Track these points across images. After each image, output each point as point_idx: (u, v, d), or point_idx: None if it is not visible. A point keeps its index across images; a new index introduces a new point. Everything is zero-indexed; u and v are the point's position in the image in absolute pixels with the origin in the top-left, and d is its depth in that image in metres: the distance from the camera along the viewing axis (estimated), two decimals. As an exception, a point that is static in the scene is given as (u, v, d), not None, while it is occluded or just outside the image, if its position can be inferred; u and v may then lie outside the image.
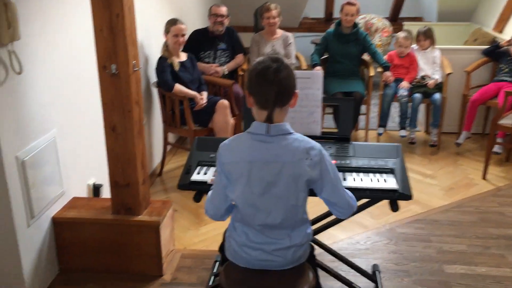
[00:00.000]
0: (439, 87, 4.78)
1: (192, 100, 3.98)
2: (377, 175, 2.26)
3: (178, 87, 3.94)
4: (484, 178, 4.22)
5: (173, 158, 4.68)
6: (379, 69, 4.93)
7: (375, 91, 5.32)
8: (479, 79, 4.99)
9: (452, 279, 2.70)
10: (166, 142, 4.28)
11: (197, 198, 2.28)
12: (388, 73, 4.83)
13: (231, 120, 4.07)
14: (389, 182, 2.18)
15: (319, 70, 4.88)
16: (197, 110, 4.00)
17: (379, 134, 4.94)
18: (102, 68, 2.47)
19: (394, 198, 2.15)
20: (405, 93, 4.73)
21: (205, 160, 2.38)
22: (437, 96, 4.71)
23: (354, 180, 2.21)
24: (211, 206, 1.96)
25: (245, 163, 1.78)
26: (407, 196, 2.13)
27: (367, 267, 2.77)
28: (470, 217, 3.40)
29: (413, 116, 4.81)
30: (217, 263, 2.81)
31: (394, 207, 2.16)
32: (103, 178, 3.19)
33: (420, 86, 4.79)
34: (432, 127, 4.84)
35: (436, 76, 4.78)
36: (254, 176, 1.78)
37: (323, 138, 2.50)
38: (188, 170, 2.31)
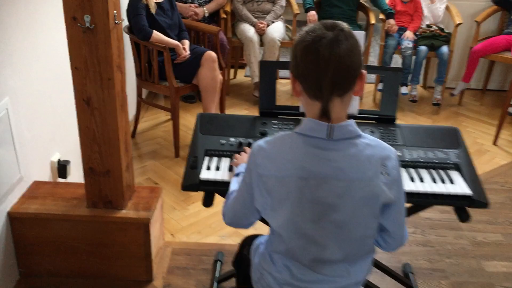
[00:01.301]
0: (447, 39, 4.28)
1: (172, 50, 3.32)
2: (440, 172, 1.77)
3: (157, 35, 3.26)
4: (495, 143, 3.85)
5: (145, 116, 4.05)
6: (381, 16, 4.35)
7: (375, 41, 4.76)
8: (485, 31, 4.51)
9: (496, 280, 2.32)
10: (140, 100, 3.63)
11: (208, 202, 1.74)
12: (391, 21, 4.28)
13: (220, 76, 3.45)
14: (458, 185, 1.70)
15: (313, 15, 4.28)
16: (178, 63, 3.35)
17: (380, 90, 4.44)
18: (71, 20, 1.80)
19: (466, 205, 1.68)
20: (410, 44, 4.21)
21: (214, 148, 1.82)
22: (444, 49, 4.21)
23: (413, 181, 1.71)
24: (231, 215, 1.43)
25: (295, 180, 1.24)
26: (483, 204, 1.66)
27: (395, 265, 2.35)
28: (496, 196, 3.01)
29: (416, 71, 4.31)
30: (219, 264, 2.31)
31: (464, 216, 1.70)
32: (69, 152, 2.58)
33: (426, 38, 4.26)
34: (436, 83, 4.38)
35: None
36: (307, 197, 1.24)
37: (362, 118, 1.97)
38: (193, 163, 1.74)
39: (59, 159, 2.50)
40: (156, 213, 2.20)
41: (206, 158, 1.79)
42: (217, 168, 1.74)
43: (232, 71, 4.84)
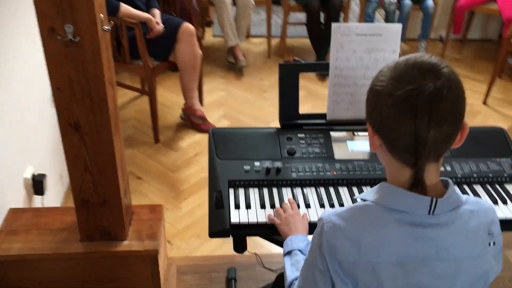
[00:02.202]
0: (431, -9, 4.02)
1: (144, 24, 2.89)
2: (497, 188, 1.57)
3: (125, 8, 2.82)
4: (485, 102, 3.72)
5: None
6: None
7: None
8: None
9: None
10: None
11: (241, 248, 1.48)
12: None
13: (199, 51, 3.07)
14: (523, 206, 1.51)
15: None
16: (151, 38, 2.94)
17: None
18: (48, 32, 1.41)
19: (531, 230, 1.50)
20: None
21: (238, 178, 1.53)
22: (429, 2, 3.96)
23: (471, 204, 1.50)
24: None
25: (389, 267, 0.99)
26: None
27: None
28: None
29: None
30: (233, 283, 2.09)
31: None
32: (43, 164, 2.22)
33: (410, -10, 3.99)
34: (420, 39, 4.16)
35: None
36: (401, 283, 1.00)
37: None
38: (219, 202, 1.46)
39: (33, 174, 2.13)
40: (162, 239, 1.92)
41: (231, 192, 1.51)
42: (248, 206, 1.46)
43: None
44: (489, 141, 1.69)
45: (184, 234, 2.47)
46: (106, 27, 1.48)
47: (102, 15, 1.46)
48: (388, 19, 4.01)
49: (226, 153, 1.59)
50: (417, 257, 0.98)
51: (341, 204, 1.48)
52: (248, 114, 3.49)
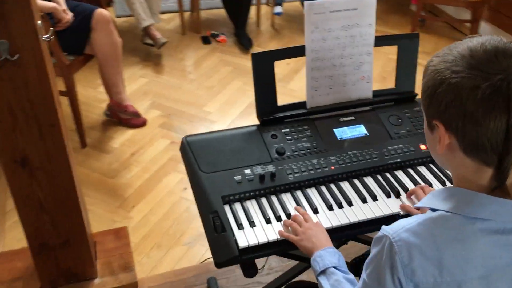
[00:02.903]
0: None
1: (50, 15, 2.50)
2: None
3: (27, 0, 2.40)
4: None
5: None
6: None
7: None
8: None
9: None
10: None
11: (253, 272, 1.30)
12: None
13: (119, 38, 2.73)
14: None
15: None
16: (61, 30, 2.56)
17: (277, 14, 4.03)
18: (-25, 51, 1.09)
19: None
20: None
21: (232, 192, 1.34)
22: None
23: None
24: None
25: (475, 281, 0.88)
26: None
27: None
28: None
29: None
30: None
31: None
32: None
33: None
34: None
35: None
36: None
37: (378, 102, 1.61)
38: (219, 225, 1.26)
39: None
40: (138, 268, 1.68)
41: (228, 210, 1.31)
42: (252, 224, 1.28)
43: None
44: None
45: (142, 247, 2.22)
46: (45, 36, 1.19)
47: (40, 22, 1.16)
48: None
49: (210, 165, 1.38)
50: (501, 266, 0.88)
51: (349, 203, 1.35)
52: (179, 101, 3.23)
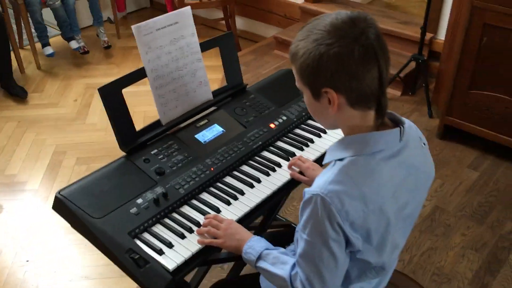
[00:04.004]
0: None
1: None
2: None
3: None
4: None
5: None
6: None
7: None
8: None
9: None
10: None
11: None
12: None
13: None
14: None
15: None
16: None
17: (50, 55, 3.83)
18: None
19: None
20: (55, -5, 3.69)
21: (136, 225, 1.34)
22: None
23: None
24: None
25: (390, 201, 1.10)
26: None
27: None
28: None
29: (72, 19, 3.85)
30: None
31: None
32: None
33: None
34: (97, 25, 4.06)
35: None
36: (394, 210, 1.13)
37: (219, 101, 1.75)
38: (140, 258, 1.24)
39: None
40: None
41: (139, 243, 1.29)
42: (169, 245, 1.29)
43: None
44: (288, 81, 1.89)
45: None
46: None
47: None
48: (59, 16, 3.75)
49: (101, 209, 1.33)
50: (401, 180, 1.11)
51: (241, 192, 1.46)
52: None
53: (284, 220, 2.34)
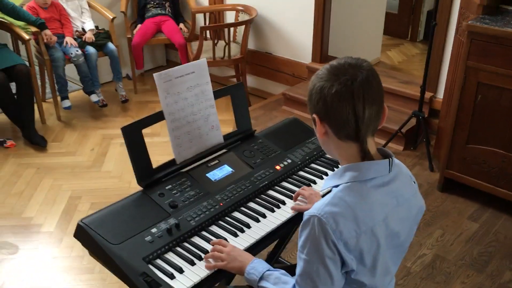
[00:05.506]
0: (107, 35, 4.22)
1: None
2: (323, 159, 1.95)
3: None
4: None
5: None
6: (33, 29, 3.87)
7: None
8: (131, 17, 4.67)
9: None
10: None
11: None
12: (48, 32, 3.88)
13: None
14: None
15: None
16: None
17: (68, 108, 4.06)
18: None
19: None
20: (79, 51, 3.95)
21: (150, 252, 1.46)
22: (110, 46, 4.16)
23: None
24: None
25: (380, 224, 1.22)
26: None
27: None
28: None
29: (94, 75, 4.11)
30: None
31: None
32: None
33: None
34: (116, 81, 4.31)
35: (90, 26, 4.17)
36: (386, 236, 1.25)
37: (229, 144, 1.90)
38: (152, 280, 1.36)
39: None
40: None
41: (153, 268, 1.41)
42: (180, 271, 1.40)
43: None
44: (293, 130, 2.05)
45: None
46: None
47: None
48: (81, 72, 4.01)
49: (118, 235, 1.46)
50: (392, 208, 1.23)
51: (247, 225, 1.58)
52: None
53: (288, 263, 2.42)
